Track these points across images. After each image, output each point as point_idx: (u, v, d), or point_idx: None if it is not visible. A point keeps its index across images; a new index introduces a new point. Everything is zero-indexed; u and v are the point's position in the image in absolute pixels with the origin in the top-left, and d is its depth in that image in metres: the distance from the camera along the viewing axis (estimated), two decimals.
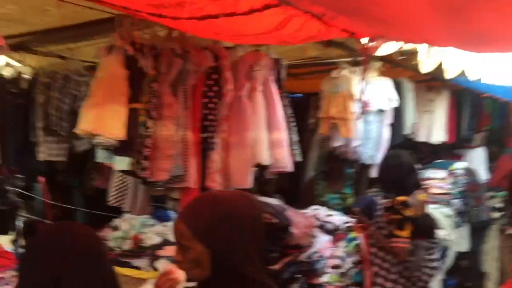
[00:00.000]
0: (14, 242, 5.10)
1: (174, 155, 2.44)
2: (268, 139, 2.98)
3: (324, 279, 2.97)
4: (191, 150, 2.56)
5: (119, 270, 3.07)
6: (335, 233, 3.31)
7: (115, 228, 3.68)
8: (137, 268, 3.19)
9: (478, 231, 5.84)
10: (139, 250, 3.32)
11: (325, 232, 3.24)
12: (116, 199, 2.98)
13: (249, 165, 2.86)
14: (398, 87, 4.67)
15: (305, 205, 4.54)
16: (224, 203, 1.59)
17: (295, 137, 3.34)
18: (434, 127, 5.72)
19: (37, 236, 1.48)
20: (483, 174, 6.08)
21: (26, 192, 5.74)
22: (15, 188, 5.63)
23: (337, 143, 4.09)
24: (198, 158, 2.63)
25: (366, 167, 4.53)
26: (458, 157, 6.48)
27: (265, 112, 2.98)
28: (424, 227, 3.51)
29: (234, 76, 2.81)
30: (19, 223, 5.70)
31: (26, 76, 3.68)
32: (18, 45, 3.63)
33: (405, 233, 3.37)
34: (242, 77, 2.86)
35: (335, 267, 3.19)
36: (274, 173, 3.32)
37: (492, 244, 6.10)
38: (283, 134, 3.07)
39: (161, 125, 2.40)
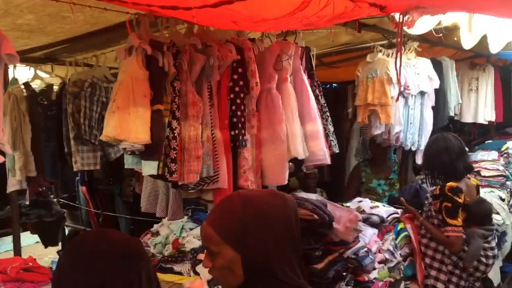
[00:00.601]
0: (59, 252, 5.17)
1: (202, 155, 2.30)
2: (302, 131, 2.81)
3: (373, 275, 2.76)
4: (220, 149, 2.42)
5: (161, 276, 2.99)
6: (381, 225, 3.08)
7: (155, 234, 3.61)
8: (179, 273, 3.09)
9: None
10: (180, 254, 3.22)
11: (371, 225, 3.02)
12: (148, 204, 2.88)
13: (283, 161, 2.70)
14: (438, 67, 4.38)
15: (350, 194, 4.34)
16: (254, 204, 1.45)
17: (331, 128, 3.15)
18: (481, 106, 5.36)
19: (74, 246, 1.39)
20: None
21: (70, 203, 5.85)
22: (59, 199, 5.75)
23: (377, 130, 3.85)
24: (229, 157, 2.48)
25: (410, 153, 4.27)
26: (509, 136, 6.08)
27: (297, 103, 2.80)
28: (479, 214, 3.23)
29: (261, 68, 2.65)
30: (66, 233, 5.81)
31: (55, 87, 3.65)
32: (46, 56, 3.62)
33: (458, 221, 3.12)
34: (270, 68, 2.70)
35: (383, 261, 2.98)
36: (312, 166, 3.15)
37: None
38: (317, 125, 2.89)
39: (187, 125, 2.26)
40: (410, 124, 4.05)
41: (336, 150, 3.17)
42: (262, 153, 2.68)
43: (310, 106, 2.87)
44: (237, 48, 2.50)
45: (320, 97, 3.09)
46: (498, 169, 4.83)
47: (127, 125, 2.10)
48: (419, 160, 4.22)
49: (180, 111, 2.25)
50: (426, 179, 3.51)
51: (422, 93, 4.13)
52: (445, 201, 3.15)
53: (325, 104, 3.15)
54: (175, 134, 2.22)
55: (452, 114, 4.62)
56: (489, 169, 4.83)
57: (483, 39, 4.19)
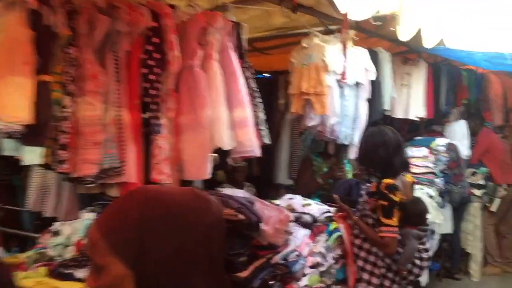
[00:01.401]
0: None
1: (104, 141, 1.84)
2: (229, 118, 2.42)
3: (303, 282, 2.44)
4: (128, 134, 1.96)
5: (58, 283, 2.49)
6: (313, 225, 2.78)
7: (56, 233, 3.06)
8: (79, 280, 2.60)
9: (458, 210, 5.45)
10: (84, 258, 2.73)
11: (303, 226, 2.71)
12: (35, 201, 2.36)
13: (206, 151, 2.29)
14: (375, 58, 4.15)
15: (303, 185, 4.06)
16: (160, 205, 1.03)
17: (262, 116, 2.78)
18: (412, 102, 5.23)
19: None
20: (464, 150, 5.66)
21: None
22: None
23: (311, 122, 3.54)
24: (139, 145, 2.04)
25: (343, 148, 4.01)
26: (437, 133, 6.05)
27: (224, 85, 2.41)
28: (414, 213, 3.01)
29: (183, 41, 2.21)
30: None
31: None
32: None
33: (394, 221, 2.87)
34: (193, 42, 2.27)
35: (315, 265, 2.67)
36: (239, 158, 2.77)
37: (474, 223, 5.73)
38: (246, 111, 2.50)
39: (83, 103, 1.78)
40: (345, 117, 3.79)
41: (267, 141, 2.81)
42: (182, 141, 2.25)
43: (239, 89, 2.48)
44: (153, 13, 2.05)
45: (251, 81, 2.71)
46: (427, 166, 4.72)
47: (1, 99, 1.60)
48: (352, 155, 3.98)
49: (75, 85, 1.77)
50: (362, 175, 3.25)
51: (357, 84, 3.88)
52: (381, 199, 2.89)
53: (257, 89, 2.77)
54: (67, 114, 1.74)
55: (387, 107, 4.43)
56: (419, 166, 4.71)
57: (418, 34, 4.04)
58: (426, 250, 3.03)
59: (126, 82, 1.97)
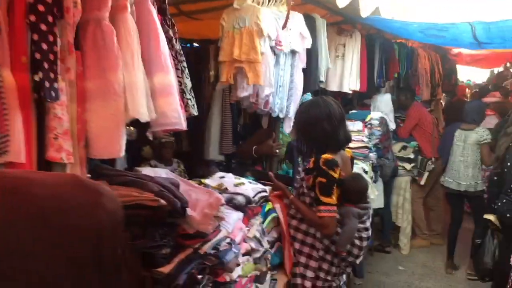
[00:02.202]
0: None
1: None
2: (148, 84, 2.02)
3: (236, 273, 2.13)
4: (11, 101, 1.51)
5: None
6: (247, 208, 2.46)
7: None
8: None
9: (388, 184, 5.41)
10: None
11: (235, 208, 2.39)
12: None
13: (119, 124, 1.87)
14: (311, 25, 3.86)
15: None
16: (20, 199, 0.68)
17: (188, 83, 2.39)
18: (346, 74, 5.05)
19: None
20: (390, 123, 5.60)
21: None
22: None
23: (243, 92, 3.20)
24: (29, 115, 1.59)
25: (277, 121, 3.72)
26: (368, 107, 5.96)
27: (140, 45, 1.99)
28: (354, 191, 2.78)
29: None
30: None
31: None
32: None
33: (333, 199, 2.62)
34: None
35: (248, 252, 2.37)
36: (161, 132, 2.38)
37: (404, 196, 5.74)
38: (169, 77, 2.10)
39: None
40: (279, 87, 3.48)
41: (195, 112, 2.44)
42: (88, 111, 1.82)
43: (159, 51, 2.07)
44: None
45: (174, 41, 2.30)
46: (362, 140, 4.58)
47: None
48: (287, 128, 3.70)
49: None
50: (301, 150, 2.98)
51: (293, 52, 3.57)
52: (319, 175, 2.63)
53: (181, 51, 2.37)
54: None
55: (322, 79, 4.18)
56: (354, 141, 4.53)
57: (354, 2, 3.81)
58: (366, 229, 2.83)
59: (7, 34, 1.51)
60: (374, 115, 4.93)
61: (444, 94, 9.01)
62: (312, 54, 3.87)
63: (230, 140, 5.76)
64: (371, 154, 4.61)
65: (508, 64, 10.73)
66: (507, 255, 3.94)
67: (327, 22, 4.64)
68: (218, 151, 5.72)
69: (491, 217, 4.22)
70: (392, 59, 5.93)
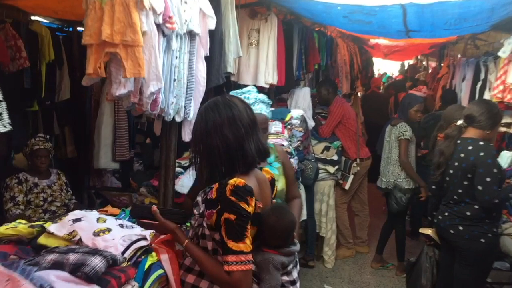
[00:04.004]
0: None
1: None
2: None
3: None
4: None
5: None
6: (108, 276, 1.52)
7: None
8: None
9: (309, 191, 4.69)
10: None
11: (87, 280, 1.44)
12: None
13: None
14: (213, 1, 2.95)
15: None
16: None
17: None
18: (262, 65, 4.22)
19: None
20: (309, 120, 4.88)
21: None
22: None
23: (121, 89, 2.22)
24: None
25: (173, 127, 2.76)
26: (285, 103, 5.19)
27: None
28: (277, 230, 1.94)
29: None
30: None
31: None
32: None
33: (246, 245, 1.74)
34: None
35: None
36: None
37: (328, 203, 5.05)
38: None
39: None
40: (173, 82, 2.54)
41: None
42: None
43: None
44: None
45: None
46: (282, 145, 3.75)
47: None
48: (186, 136, 2.76)
49: None
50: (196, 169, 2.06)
51: (192, 35, 2.65)
52: (226, 210, 1.75)
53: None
54: None
55: (231, 70, 3.29)
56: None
57: None
58: (293, 283, 2.01)
59: None
60: (294, 113, 4.14)
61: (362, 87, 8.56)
62: (216, 38, 2.97)
63: (126, 144, 4.74)
64: (292, 160, 3.81)
65: (419, 57, 10.60)
66: (448, 275, 3.37)
67: (237, 4, 3.77)
68: (111, 158, 4.68)
69: (428, 231, 3.61)
70: (312, 48, 5.20)
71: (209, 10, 2.72)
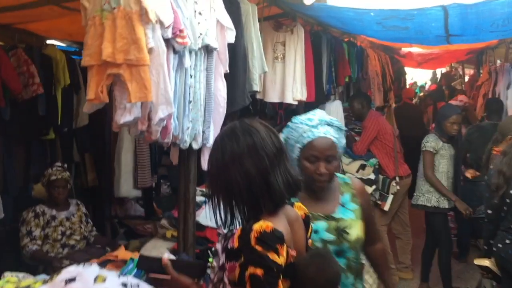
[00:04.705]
0: None
1: None
2: None
3: None
4: None
5: None
6: None
7: None
8: None
9: None
10: None
11: None
12: None
13: None
14: (234, 11, 2.61)
15: None
16: None
17: None
18: (289, 81, 3.84)
19: None
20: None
21: None
22: None
23: (126, 116, 1.90)
24: None
25: (192, 156, 2.41)
26: None
27: None
28: (317, 283, 1.55)
29: None
30: None
31: None
32: None
33: None
34: None
35: None
36: None
37: None
38: None
39: None
40: (188, 104, 2.20)
41: None
42: None
43: None
44: None
45: None
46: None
47: None
48: (205, 164, 2.41)
49: None
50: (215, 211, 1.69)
51: (208, 50, 2.31)
52: (251, 263, 1.37)
53: None
54: None
55: (256, 88, 2.93)
56: None
57: None
58: None
59: None
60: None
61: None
62: (238, 54, 2.62)
63: (147, 170, 4.44)
64: None
65: (454, 64, 10.02)
66: None
67: (260, 17, 3.44)
68: (132, 185, 4.38)
69: (485, 262, 3.10)
70: (341, 60, 4.80)
71: (228, 21, 2.38)
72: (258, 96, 3.87)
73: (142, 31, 1.82)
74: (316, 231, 1.87)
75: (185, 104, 2.17)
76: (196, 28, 2.12)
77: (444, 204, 4.15)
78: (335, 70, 4.63)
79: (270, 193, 1.50)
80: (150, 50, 1.86)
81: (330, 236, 1.88)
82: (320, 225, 1.89)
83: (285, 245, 1.43)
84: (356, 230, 1.91)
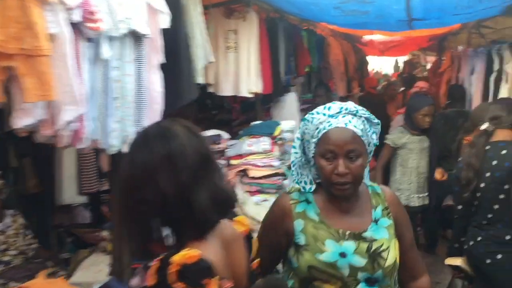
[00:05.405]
0: None
1: None
2: None
3: None
4: None
5: None
6: None
7: None
8: None
9: None
10: None
11: None
12: None
13: None
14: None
15: None
16: None
17: None
18: (243, 72, 3.51)
19: None
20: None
21: None
22: None
23: (26, 119, 1.52)
24: None
25: (115, 161, 2.04)
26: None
27: None
28: None
29: None
30: None
31: None
32: None
33: None
34: None
35: None
36: None
37: None
38: None
39: None
40: (113, 101, 1.83)
41: None
42: None
43: None
44: None
45: None
46: (271, 165, 3.03)
47: None
48: None
49: None
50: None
51: (137, 37, 1.95)
52: None
53: None
54: None
55: (201, 81, 2.56)
56: (260, 166, 3.01)
57: None
58: None
59: None
60: (285, 126, 3.40)
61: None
62: (178, 41, 2.25)
63: (93, 174, 4.01)
64: (286, 182, 3.09)
65: (415, 52, 9.89)
66: None
67: (208, 3, 3.09)
68: (76, 191, 3.95)
69: (457, 261, 2.85)
70: (301, 49, 4.49)
71: (159, 3, 2.01)
72: (211, 89, 3.53)
73: (40, 14, 1.44)
74: (343, 255, 1.41)
75: (108, 101, 1.80)
76: (117, 11, 1.75)
77: (414, 202, 3.89)
78: (294, 60, 4.31)
79: (193, 215, 1.17)
80: (52, 38, 1.48)
81: (361, 261, 1.41)
82: (348, 246, 1.42)
83: (215, 278, 1.10)
84: (393, 253, 1.46)
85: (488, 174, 2.51)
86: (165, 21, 2.05)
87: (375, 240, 1.44)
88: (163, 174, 1.15)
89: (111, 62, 1.80)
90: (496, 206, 2.48)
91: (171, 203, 1.15)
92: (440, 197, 3.82)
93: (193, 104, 4.35)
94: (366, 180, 1.53)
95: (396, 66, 12.98)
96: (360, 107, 1.46)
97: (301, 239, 1.44)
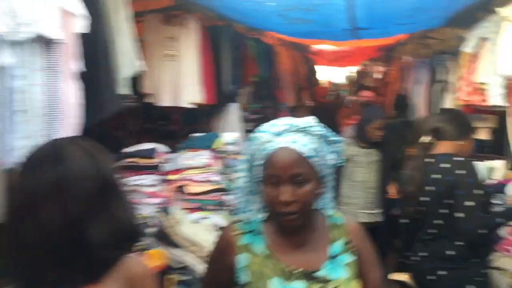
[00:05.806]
0: None
1: None
2: None
3: None
4: None
5: None
6: None
7: None
8: None
9: None
10: None
11: None
12: None
13: None
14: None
15: None
16: None
17: None
18: (184, 82, 3.32)
19: None
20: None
21: None
22: None
23: None
24: None
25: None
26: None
27: None
28: None
29: None
30: None
31: None
32: None
33: None
34: None
35: None
36: None
37: None
38: None
39: None
40: (16, 115, 1.60)
41: None
42: None
43: None
44: None
45: None
46: (210, 181, 2.84)
47: None
48: None
49: None
50: None
51: (48, 43, 1.73)
52: None
53: None
54: None
55: (126, 91, 2.35)
56: (198, 182, 2.82)
57: None
58: None
59: None
60: (227, 138, 3.23)
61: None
62: (96, 48, 2.04)
63: None
64: (228, 198, 2.91)
65: (366, 62, 10.00)
66: None
67: (145, 9, 2.89)
68: None
69: (402, 276, 2.76)
70: (246, 58, 4.35)
71: (74, 6, 1.80)
72: (151, 100, 3.32)
73: None
74: None
75: (9, 115, 1.57)
76: (18, 12, 1.53)
77: (363, 218, 3.75)
78: (239, 69, 4.16)
79: (86, 253, 0.98)
80: None
81: None
82: (297, 287, 1.23)
83: None
84: None
85: (429, 188, 2.44)
86: (81, 25, 1.84)
87: (329, 280, 1.24)
88: (48, 204, 0.96)
89: (13, 70, 1.57)
90: (439, 221, 2.41)
91: (58, 239, 0.96)
92: (388, 206, 3.75)
93: (139, 114, 4.12)
94: (328, 209, 1.35)
95: (348, 76, 13.14)
96: (315, 123, 1.27)
97: (243, 277, 1.23)
